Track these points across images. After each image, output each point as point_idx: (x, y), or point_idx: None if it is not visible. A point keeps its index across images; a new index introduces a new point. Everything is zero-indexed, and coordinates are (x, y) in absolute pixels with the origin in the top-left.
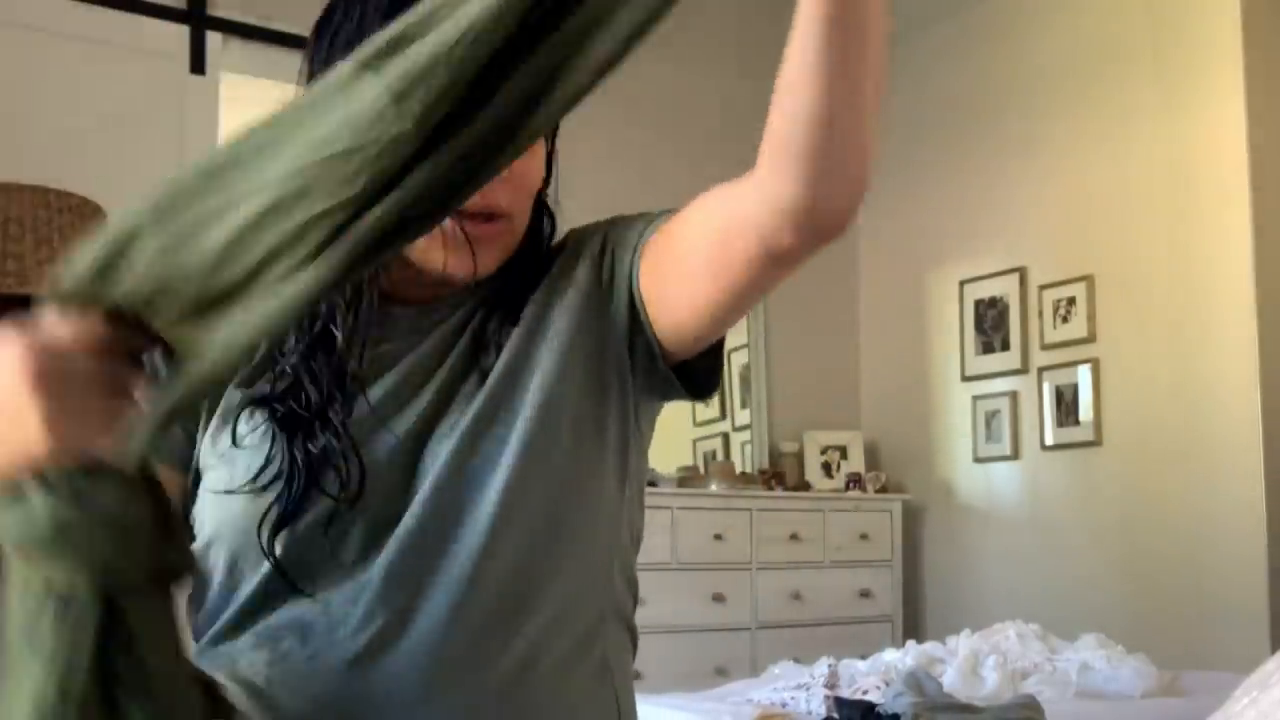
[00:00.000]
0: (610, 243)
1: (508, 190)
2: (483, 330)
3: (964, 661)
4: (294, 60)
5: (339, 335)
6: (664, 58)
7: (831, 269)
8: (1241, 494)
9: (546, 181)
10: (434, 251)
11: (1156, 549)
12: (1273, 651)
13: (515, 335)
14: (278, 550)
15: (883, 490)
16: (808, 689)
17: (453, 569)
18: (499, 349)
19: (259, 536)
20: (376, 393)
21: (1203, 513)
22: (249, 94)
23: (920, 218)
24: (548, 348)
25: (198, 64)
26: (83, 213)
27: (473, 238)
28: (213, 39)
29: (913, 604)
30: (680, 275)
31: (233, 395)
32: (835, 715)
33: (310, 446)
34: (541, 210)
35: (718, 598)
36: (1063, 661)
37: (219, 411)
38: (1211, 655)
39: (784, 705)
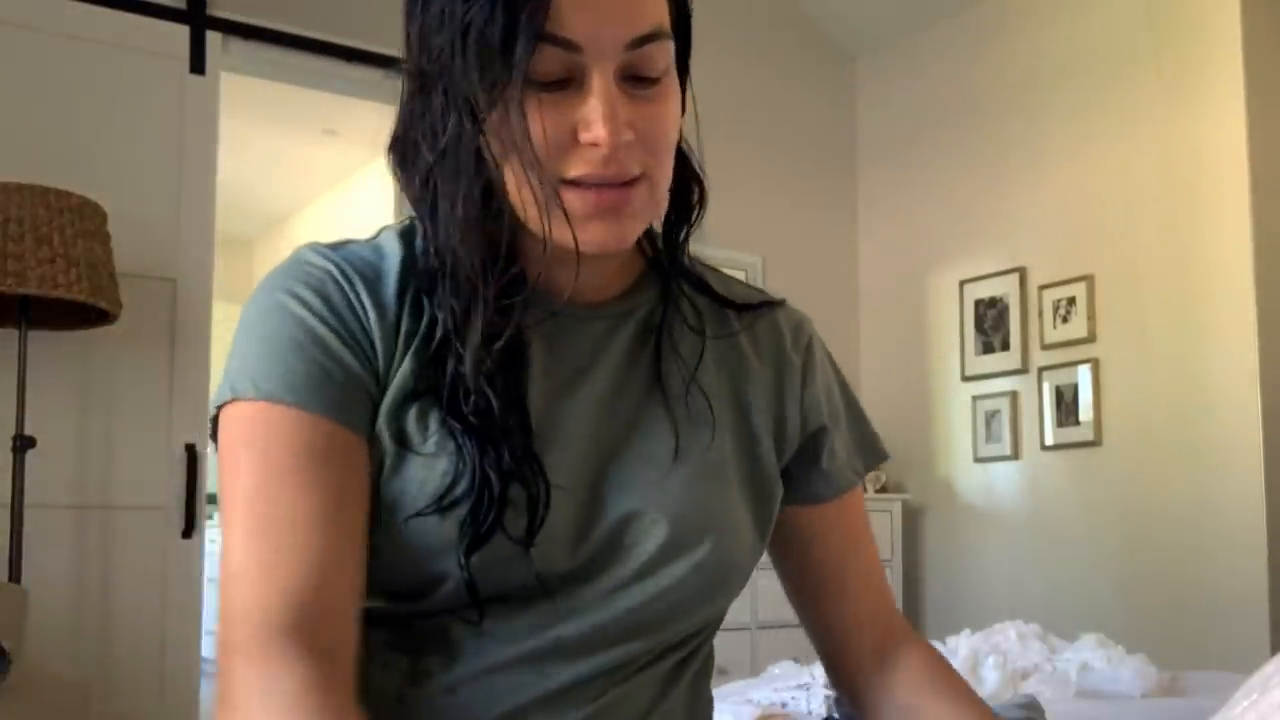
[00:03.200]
0: (818, 423)
1: (636, 152)
2: (659, 351)
3: (964, 661)
4: (294, 60)
5: (508, 332)
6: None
7: (831, 269)
8: (1241, 493)
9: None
10: (556, 225)
11: (1156, 549)
12: (1273, 652)
13: (711, 375)
14: (446, 572)
15: (883, 490)
16: (808, 689)
17: (615, 608)
18: (690, 371)
19: (454, 561)
20: (565, 411)
21: (1203, 512)
22: (249, 94)
23: (920, 218)
24: (730, 410)
25: (198, 64)
26: (83, 213)
27: (600, 209)
28: (213, 39)
29: (913, 604)
30: (793, 554)
31: (405, 376)
32: (835, 715)
33: (502, 468)
34: (682, 163)
35: None
36: (1063, 661)
37: (391, 391)
38: (1212, 655)
39: (784, 705)
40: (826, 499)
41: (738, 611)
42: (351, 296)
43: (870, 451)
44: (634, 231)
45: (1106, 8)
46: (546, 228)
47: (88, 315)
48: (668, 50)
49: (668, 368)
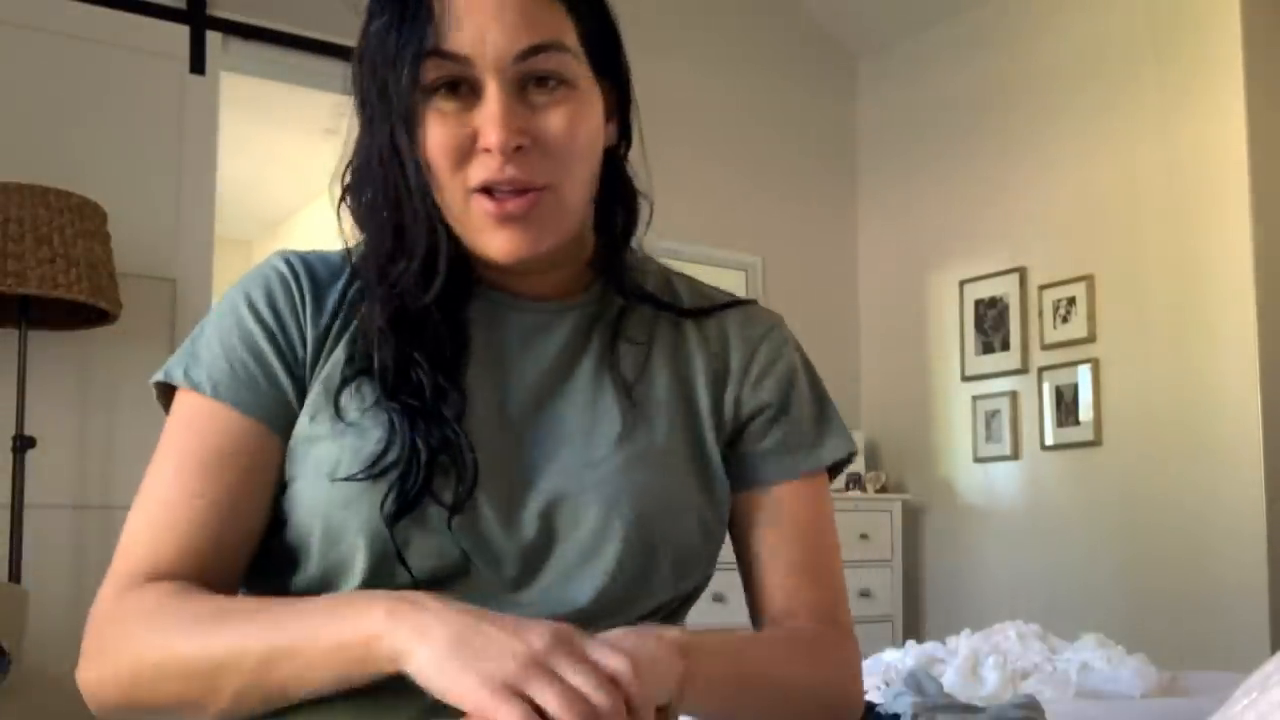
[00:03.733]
0: (752, 411)
1: (537, 160)
2: (614, 346)
3: (964, 661)
4: (294, 60)
5: (431, 320)
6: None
7: (831, 269)
8: (1242, 494)
9: (627, 147)
10: (470, 235)
11: (1157, 549)
12: (1273, 651)
13: (660, 375)
14: (377, 539)
15: (883, 490)
16: None
17: (570, 593)
18: (638, 370)
19: (384, 527)
20: (503, 394)
21: (1203, 512)
22: (249, 94)
23: (920, 218)
24: (682, 397)
25: (198, 64)
26: (83, 213)
27: (501, 216)
28: (213, 39)
29: (913, 604)
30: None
31: (338, 362)
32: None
33: (430, 440)
34: (619, 180)
35: (718, 598)
36: (1063, 661)
37: (321, 377)
38: (1211, 655)
39: None
40: (758, 485)
41: (738, 610)
42: (295, 294)
43: (823, 446)
44: (543, 239)
45: (1107, 9)
46: (463, 234)
47: (88, 315)
48: (565, 62)
49: (616, 359)
